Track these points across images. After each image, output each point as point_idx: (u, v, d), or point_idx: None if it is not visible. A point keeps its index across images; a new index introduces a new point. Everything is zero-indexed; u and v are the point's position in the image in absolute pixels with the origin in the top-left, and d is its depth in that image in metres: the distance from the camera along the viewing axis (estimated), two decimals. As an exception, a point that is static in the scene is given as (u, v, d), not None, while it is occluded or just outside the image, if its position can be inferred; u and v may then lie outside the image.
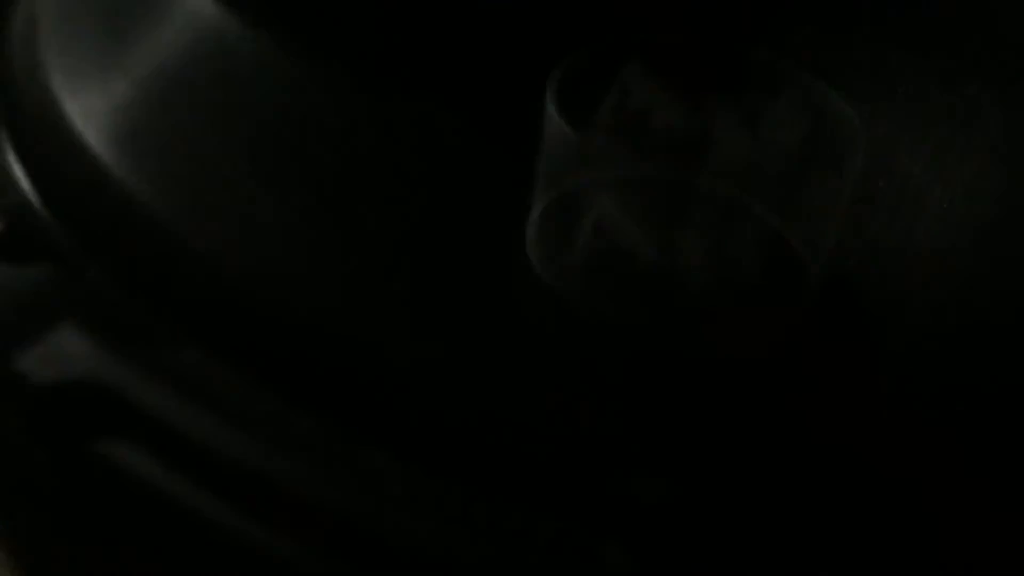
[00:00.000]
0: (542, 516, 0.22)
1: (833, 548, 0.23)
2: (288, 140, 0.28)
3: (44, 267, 0.25)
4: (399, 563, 0.22)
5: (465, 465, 0.23)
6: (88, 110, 0.30)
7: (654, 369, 0.25)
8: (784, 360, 0.26)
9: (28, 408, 0.23)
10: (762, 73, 0.29)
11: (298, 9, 0.31)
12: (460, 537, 0.22)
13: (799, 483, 0.24)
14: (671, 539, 0.23)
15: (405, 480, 0.22)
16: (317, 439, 0.22)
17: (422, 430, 0.23)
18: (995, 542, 0.23)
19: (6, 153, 0.29)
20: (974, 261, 0.28)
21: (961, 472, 0.24)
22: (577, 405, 0.24)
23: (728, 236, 0.28)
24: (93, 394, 0.23)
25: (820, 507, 0.23)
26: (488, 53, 0.29)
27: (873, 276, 0.28)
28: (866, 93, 0.29)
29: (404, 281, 0.26)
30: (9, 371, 0.23)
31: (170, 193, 0.27)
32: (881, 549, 0.23)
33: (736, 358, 0.25)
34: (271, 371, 0.24)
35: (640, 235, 0.27)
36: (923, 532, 0.23)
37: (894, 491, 0.24)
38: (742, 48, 0.29)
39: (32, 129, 0.30)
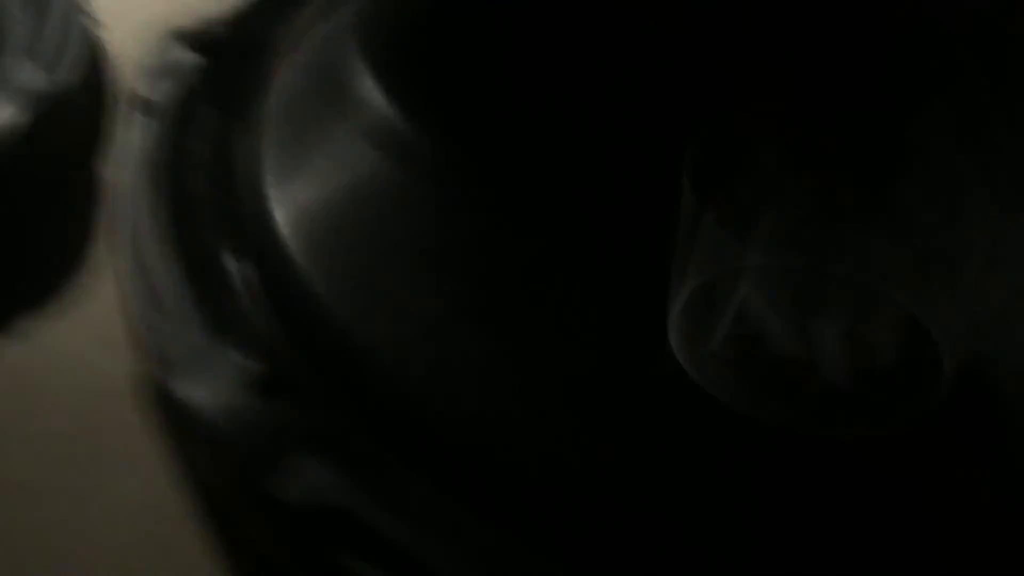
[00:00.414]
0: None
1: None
2: (479, 265, 0.32)
3: (287, 400, 0.29)
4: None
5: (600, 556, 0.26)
6: (303, 239, 0.33)
7: (789, 458, 0.27)
8: (915, 449, 0.27)
9: (279, 526, 0.28)
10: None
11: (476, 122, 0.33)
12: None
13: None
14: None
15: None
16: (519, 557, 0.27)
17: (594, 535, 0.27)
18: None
19: (242, 289, 0.33)
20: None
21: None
22: (712, 498, 0.27)
23: (863, 322, 0.28)
24: (333, 516, 0.27)
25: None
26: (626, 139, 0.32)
27: (1008, 360, 0.29)
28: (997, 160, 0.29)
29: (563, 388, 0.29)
30: (263, 494, 0.28)
31: (379, 320, 0.31)
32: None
33: (870, 447, 0.27)
34: (478, 496, 0.28)
35: (778, 323, 0.28)
36: None
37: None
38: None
39: (262, 260, 0.33)
